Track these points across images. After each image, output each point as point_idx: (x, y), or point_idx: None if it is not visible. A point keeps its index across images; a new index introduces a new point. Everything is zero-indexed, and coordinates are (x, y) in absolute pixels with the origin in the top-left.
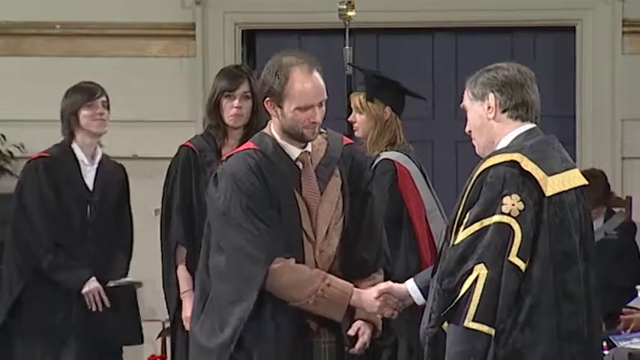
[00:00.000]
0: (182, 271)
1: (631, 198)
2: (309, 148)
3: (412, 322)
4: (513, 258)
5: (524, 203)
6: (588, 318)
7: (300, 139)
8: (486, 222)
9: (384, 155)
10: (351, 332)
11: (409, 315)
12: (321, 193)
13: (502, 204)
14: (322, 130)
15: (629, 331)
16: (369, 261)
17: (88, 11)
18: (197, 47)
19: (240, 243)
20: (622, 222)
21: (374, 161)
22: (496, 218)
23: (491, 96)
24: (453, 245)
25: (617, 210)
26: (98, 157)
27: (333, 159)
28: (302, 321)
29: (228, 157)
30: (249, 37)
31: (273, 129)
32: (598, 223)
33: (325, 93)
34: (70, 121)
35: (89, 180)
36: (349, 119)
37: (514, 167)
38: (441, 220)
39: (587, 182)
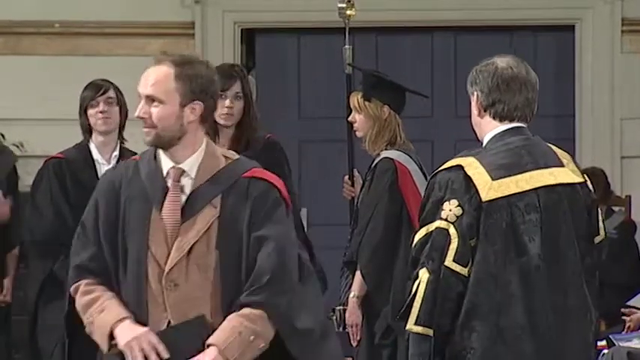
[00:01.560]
0: None
1: (630, 197)
2: (184, 165)
3: None
4: (449, 263)
5: (462, 208)
6: (556, 318)
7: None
8: (430, 227)
9: (384, 154)
10: None
11: None
12: (184, 220)
13: (442, 209)
14: (232, 154)
15: (626, 330)
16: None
17: (87, 10)
18: (196, 46)
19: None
20: (622, 221)
21: (374, 160)
22: (436, 224)
23: (475, 94)
24: (411, 249)
25: (616, 209)
26: (116, 155)
27: (217, 186)
28: None
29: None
30: (249, 36)
31: None
32: None
33: (152, 89)
34: (83, 121)
35: None
36: (349, 119)
37: (459, 172)
38: None
39: (572, 181)
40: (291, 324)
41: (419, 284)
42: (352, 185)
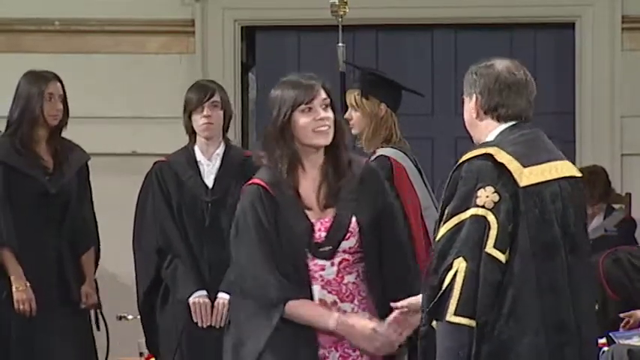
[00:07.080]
0: None
1: (631, 195)
2: None
3: None
4: (490, 249)
5: (499, 195)
6: (575, 309)
7: None
8: (463, 216)
9: (380, 152)
10: None
11: None
12: None
13: (477, 197)
14: None
15: (625, 327)
16: None
17: (87, 8)
18: (196, 44)
19: None
20: (622, 219)
21: (370, 158)
22: (471, 211)
23: (474, 97)
24: (435, 242)
25: (616, 207)
26: (219, 153)
27: None
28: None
29: None
30: (249, 34)
31: None
32: (598, 220)
33: None
34: (187, 123)
35: (209, 180)
36: (345, 117)
37: (488, 160)
38: (437, 218)
39: (576, 174)
40: None
41: (455, 274)
42: None
